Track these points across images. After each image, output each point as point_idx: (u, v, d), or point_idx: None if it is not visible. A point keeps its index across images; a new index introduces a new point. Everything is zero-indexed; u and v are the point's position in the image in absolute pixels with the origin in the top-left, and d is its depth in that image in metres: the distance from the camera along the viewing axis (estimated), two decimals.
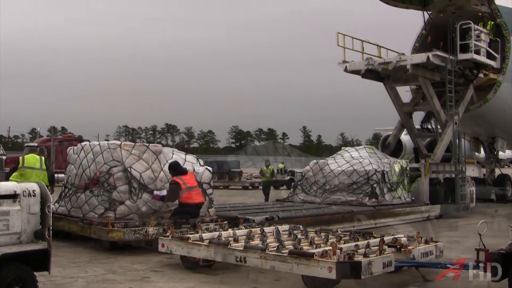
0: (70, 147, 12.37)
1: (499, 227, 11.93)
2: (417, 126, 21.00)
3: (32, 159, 11.71)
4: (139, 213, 10.40)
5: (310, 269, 6.46)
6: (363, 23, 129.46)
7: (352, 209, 14.23)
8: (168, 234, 8.58)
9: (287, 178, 34.09)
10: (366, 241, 7.54)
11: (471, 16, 19.05)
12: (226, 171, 36.93)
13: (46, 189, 6.31)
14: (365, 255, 6.67)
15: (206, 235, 8.22)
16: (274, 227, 9.08)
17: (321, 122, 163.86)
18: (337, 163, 16.53)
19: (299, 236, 8.23)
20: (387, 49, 19.50)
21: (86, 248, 10.22)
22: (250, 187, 33.94)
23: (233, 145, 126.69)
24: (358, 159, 16.48)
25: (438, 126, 19.62)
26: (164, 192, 10.46)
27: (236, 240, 7.94)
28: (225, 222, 10.88)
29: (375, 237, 7.93)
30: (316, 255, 6.47)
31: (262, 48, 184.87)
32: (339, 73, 19.65)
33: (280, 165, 37.50)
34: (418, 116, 21.26)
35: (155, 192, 10.47)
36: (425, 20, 20.93)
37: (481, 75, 19.18)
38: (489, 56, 19.01)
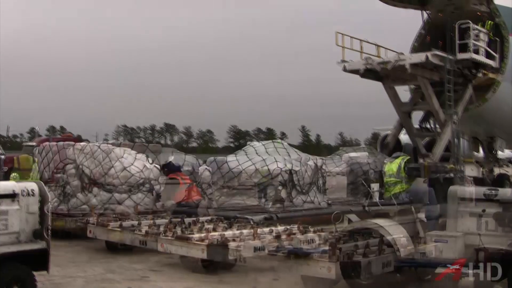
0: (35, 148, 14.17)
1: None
2: (416, 126, 20.98)
3: (26, 160, 11.87)
4: (90, 205, 11.60)
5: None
6: (362, 23, 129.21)
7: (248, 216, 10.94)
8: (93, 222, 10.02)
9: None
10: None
11: (470, 15, 19.02)
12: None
13: (45, 188, 6.30)
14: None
15: (126, 224, 9.59)
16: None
17: (321, 122, 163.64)
18: (238, 160, 13.61)
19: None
20: (386, 48, 19.48)
21: (85, 248, 10.21)
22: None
23: (232, 145, 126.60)
24: (262, 155, 13.59)
25: (437, 126, 19.61)
26: None
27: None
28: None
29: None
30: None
31: (262, 48, 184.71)
32: (339, 72, 19.60)
33: None
34: (417, 116, 21.26)
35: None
36: (424, 20, 20.90)
37: (480, 74, 19.13)
38: (488, 55, 18.97)
